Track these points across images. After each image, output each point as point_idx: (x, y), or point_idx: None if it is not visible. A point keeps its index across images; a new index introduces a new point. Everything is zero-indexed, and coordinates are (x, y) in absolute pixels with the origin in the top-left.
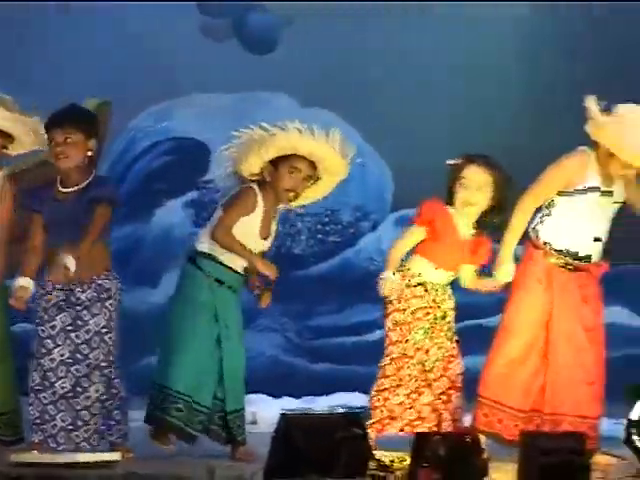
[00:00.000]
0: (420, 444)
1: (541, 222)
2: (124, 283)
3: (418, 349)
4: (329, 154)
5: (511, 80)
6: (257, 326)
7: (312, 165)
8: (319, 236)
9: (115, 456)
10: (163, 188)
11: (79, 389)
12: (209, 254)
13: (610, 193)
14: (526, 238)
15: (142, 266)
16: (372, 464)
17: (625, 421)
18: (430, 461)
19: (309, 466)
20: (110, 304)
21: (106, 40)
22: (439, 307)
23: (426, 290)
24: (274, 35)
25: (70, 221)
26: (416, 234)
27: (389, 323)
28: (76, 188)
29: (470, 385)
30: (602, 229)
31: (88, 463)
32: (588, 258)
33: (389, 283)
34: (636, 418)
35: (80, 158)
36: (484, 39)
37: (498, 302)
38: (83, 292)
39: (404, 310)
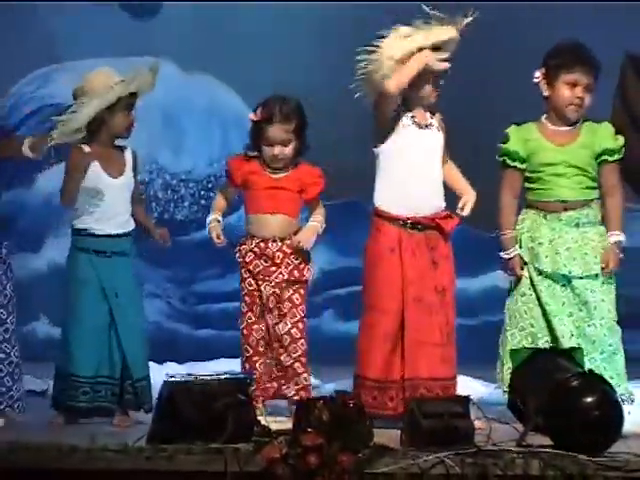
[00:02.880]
0: (303, 410)
1: (375, 190)
2: None
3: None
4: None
5: None
6: None
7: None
8: (202, 202)
9: None
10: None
11: None
12: (80, 229)
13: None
14: (373, 215)
15: (24, 232)
16: (256, 430)
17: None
18: (313, 427)
19: (193, 432)
20: None
21: None
22: (279, 268)
23: (265, 247)
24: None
25: None
26: (222, 193)
27: (242, 290)
28: None
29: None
30: (434, 172)
31: None
32: (429, 210)
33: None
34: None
35: None
36: None
37: None
38: None
39: (250, 275)
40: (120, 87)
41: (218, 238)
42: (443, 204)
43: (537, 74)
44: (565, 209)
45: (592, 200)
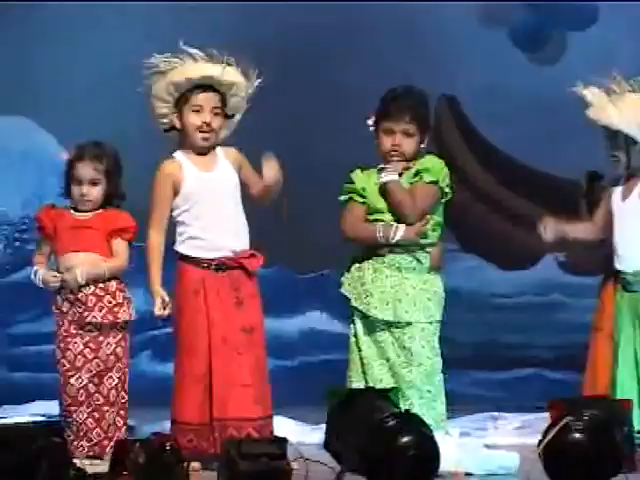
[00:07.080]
0: (119, 452)
1: (178, 235)
2: None
3: (79, 365)
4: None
5: None
6: None
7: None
8: (17, 244)
9: None
10: None
11: None
12: None
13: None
14: (177, 259)
15: None
16: (72, 473)
17: (324, 426)
18: (129, 470)
19: (7, 476)
20: None
21: None
22: (92, 312)
23: (78, 293)
24: None
25: None
26: (39, 251)
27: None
28: None
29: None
30: (232, 212)
31: None
32: (229, 250)
33: None
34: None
35: None
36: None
37: None
38: None
39: (65, 323)
40: None
41: (54, 277)
42: (246, 243)
43: (370, 122)
44: (390, 251)
45: (420, 248)
